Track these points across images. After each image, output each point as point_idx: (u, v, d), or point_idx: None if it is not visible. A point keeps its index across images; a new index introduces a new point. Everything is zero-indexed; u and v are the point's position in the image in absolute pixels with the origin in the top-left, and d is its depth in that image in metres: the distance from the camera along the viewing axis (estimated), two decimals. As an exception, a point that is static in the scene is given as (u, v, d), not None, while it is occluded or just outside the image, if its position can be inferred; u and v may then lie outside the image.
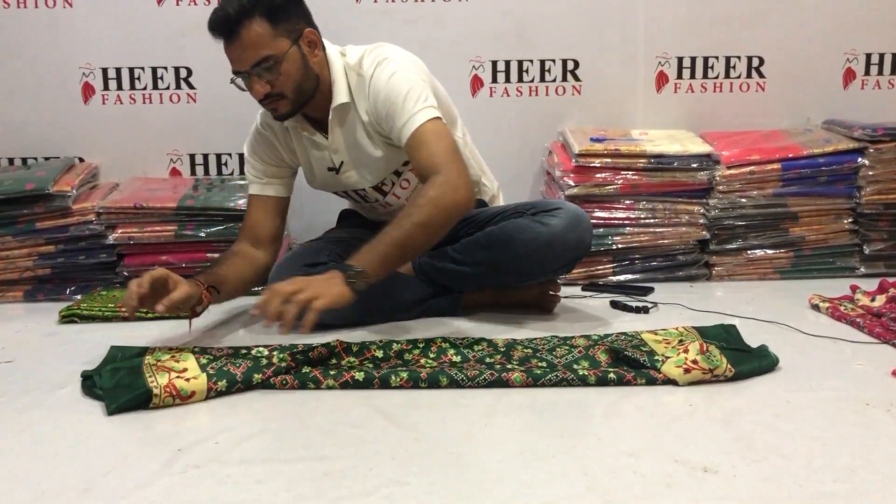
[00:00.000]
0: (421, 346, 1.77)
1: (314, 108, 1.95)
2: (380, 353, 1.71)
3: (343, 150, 2.00)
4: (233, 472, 1.27)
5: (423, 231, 1.77)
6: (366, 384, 1.56)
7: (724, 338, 1.76)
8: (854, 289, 2.13)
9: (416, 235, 1.76)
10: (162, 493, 1.22)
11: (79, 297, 2.28)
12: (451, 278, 2.06)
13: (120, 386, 1.53)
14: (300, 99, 1.89)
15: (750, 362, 1.62)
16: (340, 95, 1.92)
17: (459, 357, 1.69)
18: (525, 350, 1.73)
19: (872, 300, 2.02)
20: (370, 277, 1.73)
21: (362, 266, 1.72)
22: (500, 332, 1.88)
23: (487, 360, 1.67)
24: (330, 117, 1.95)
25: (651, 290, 2.25)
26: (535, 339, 1.81)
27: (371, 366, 1.65)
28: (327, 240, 2.14)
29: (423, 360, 1.68)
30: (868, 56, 2.68)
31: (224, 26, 1.79)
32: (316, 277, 1.72)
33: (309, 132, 1.99)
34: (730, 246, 2.44)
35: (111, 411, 1.47)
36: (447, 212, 1.78)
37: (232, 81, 1.89)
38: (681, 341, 1.70)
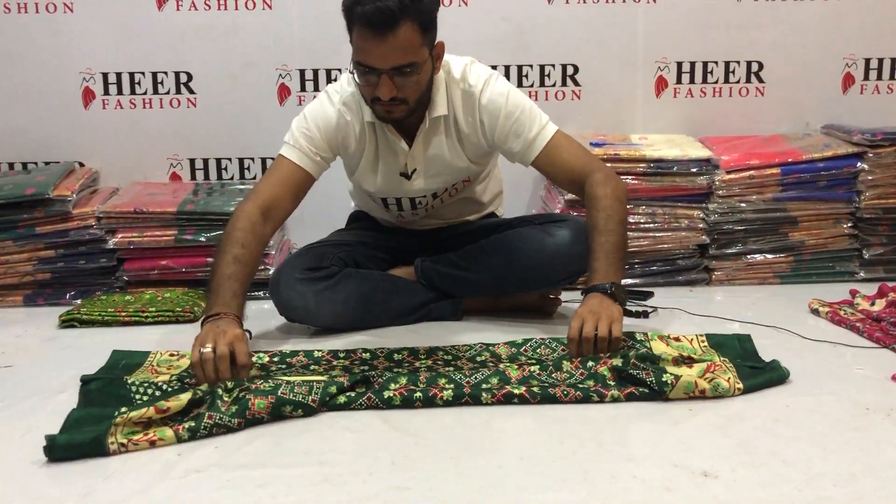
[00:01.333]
0: (423, 357, 1.76)
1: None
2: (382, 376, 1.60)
3: (421, 158, 1.96)
4: (233, 476, 1.27)
5: (624, 226, 1.85)
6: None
7: (738, 353, 1.73)
8: (854, 293, 2.13)
9: (622, 232, 1.83)
10: (162, 498, 1.22)
11: (79, 301, 2.28)
12: (454, 284, 2.06)
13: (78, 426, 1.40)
14: (416, 108, 1.84)
15: (760, 376, 1.59)
16: (440, 108, 1.89)
17: (458, 378, 1.60)
18: (529, 365, 1.66)
19: (872, 304, 2.02)
20: (620, 285, 1.77)
21: (610, 281, 1.75)
22: (501, 337, 1.88)
23: (488, 381, 1.59)
24: (425, 126, 1.90)
25: (651, 294, 2.25)
26: (539, 349, 1.79)
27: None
28: (331, 243, 2.12)
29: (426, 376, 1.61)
30: (867, 61, 2.69)
31: (382, 20, 1.68)
32: (588, 308, 1.70)
33: (395, 136, 1.93)
34: (729, 250, 2.44)
35: (53, 449, 1.33)
36: (625, 203, 1.88)
37: (351, 70, 1.80)
38: (690, 359, 1.66)
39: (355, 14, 1.72)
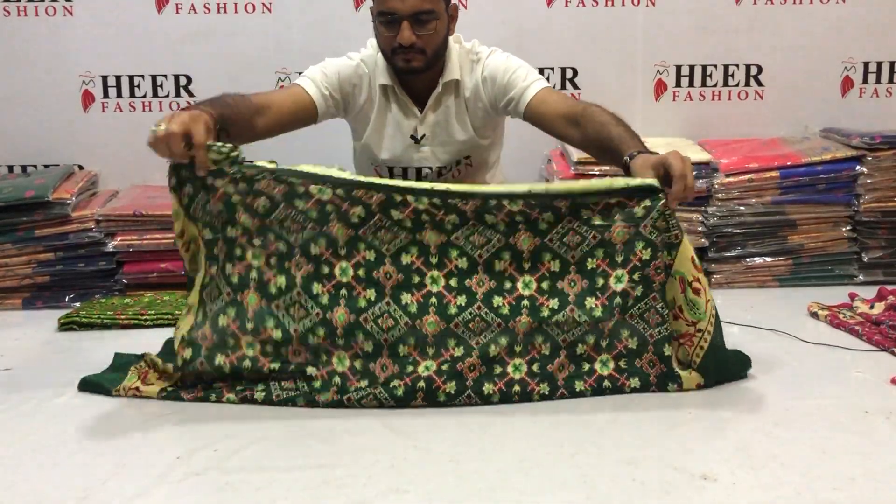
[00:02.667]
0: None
1: (421, 78, 1.99)
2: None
3: (430, 124, 2.05)
4: (232, 479, 1.27)
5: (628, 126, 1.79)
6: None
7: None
8: (853, 296, 2.13)
9: (628, 127, 1.78)
10: (161, 501, 1.22)
11: (78, 304, 2.28)
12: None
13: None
14: (433, 61, 1.94)
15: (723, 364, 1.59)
16: (453, 72, 2.01)
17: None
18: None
19: (871, 308, 2.02)
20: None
21: (641, 148, 1.68)
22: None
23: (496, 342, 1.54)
24: (438, 89, 2.01)
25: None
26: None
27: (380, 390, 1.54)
28: None
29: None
30: (866, 64, 2.69)
31: None
32: (665, 154, 1.60)
33: (406, 99, 2.02)
34: (728, 254, 2.44)
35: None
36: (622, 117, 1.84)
37: (375, 28, 1.93)
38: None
39: None
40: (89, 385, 1.63)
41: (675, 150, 1.61)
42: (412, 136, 2.05)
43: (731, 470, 1.27)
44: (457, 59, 2.02)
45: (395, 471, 1.30)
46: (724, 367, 1.61)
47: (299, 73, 2.58)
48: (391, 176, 2.12)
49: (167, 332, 2.04)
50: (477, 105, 2.03)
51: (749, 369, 1.63)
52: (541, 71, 2.64)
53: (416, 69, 1.93)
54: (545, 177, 2.65)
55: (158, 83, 2.64)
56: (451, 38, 2.01)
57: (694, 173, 1.58)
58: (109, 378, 1.65)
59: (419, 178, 2.11)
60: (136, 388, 1.60)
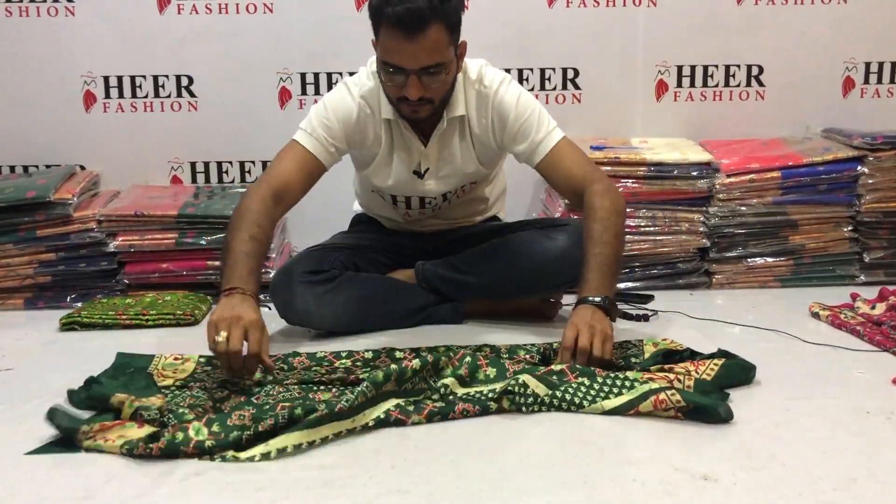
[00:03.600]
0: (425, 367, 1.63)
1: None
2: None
3: (434, 158, 1.98)
4: (233, 480, 1.27)
5: (621, 240, 1.83)
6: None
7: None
8: (854, 297, 2.13)
9: (618, 246, 1.81)
10: (161, 501, 1.22)
11: (79, 304, 2.28)
12: (454, 288, 2.06)
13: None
14: (440, 108, 1.88)
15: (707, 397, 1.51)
16: (458, 108, 1.92)
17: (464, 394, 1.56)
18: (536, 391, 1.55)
19: (872, 308, 2.02)
20: (612, 300, 1.74)
21: (601, 294, 1.72)
22: (501, 340, 1.88)
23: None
24: (443, 126, 1.92)
25: (651, 297, 2.25)
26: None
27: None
28: (332, 247, 2.12)
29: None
30: (867, 65, 2.69)
31: (412, 21, 1.69)
32: (583, 320, 1.66)
33: (411, 134, 1.95)
34: (730, 254, 2.44)
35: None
36: (624, 216, 1.86)
37: (378, 71, 1.83)
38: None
39: (385, 14, 1.71)
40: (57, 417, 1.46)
41: (590, 323, 1.64)
42: (415, 171, 1.99)
43: (732, 470, 1.27)
44: (462, 92, 1.92)
45: (396, 471, 1.30)
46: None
47: (300, 75, 2.64)
48: (394, 202, 2.09)
49: (169, 332, 2.05)
50: (483, 142, 1.97)
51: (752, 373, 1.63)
52: (542, 72, 2.66)
53: (422, 118, 1.87)
54: (546, 188, 2.62)
55: (160, 83, 2.64)
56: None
57: (602, 334, 1.63)
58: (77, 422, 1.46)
59: (423, 205, 2.08)
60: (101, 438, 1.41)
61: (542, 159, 1.92)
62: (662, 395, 1.45)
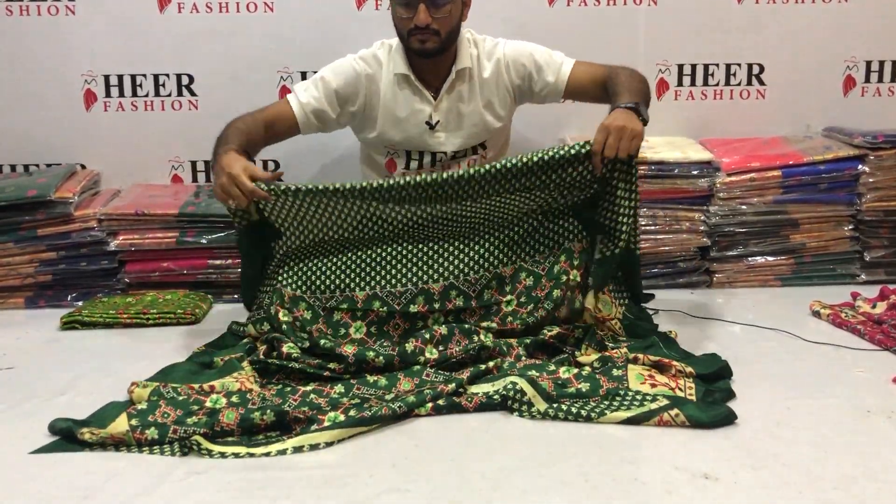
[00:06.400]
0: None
1: (434, 67, 2.10)
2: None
3: (444, 111, 2.13)
4: (234, 478, 1.27)
5: (644, 84, 2.03)
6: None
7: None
8: (855, 296, 2.13)
9: (646, 91, 2.01)
10: (163, 500, 1.22)
11: (80, 303, 2.28)
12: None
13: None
14: (446, 44, 2.04)
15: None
16: (465, 60, 2.12)
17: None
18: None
19: (873, 307, 2.02)
20: (643, 106, 1.90)
21: (634, 101, 1.88)
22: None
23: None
24: (452, 77, 2.11)
25: (651, 296, 2.25)
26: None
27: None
28: None
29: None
30: (868, 63, 2.69)
31: None
32: (614, 121, 1.81)
33: (421, 87, 2.12)
34: (730, 253, 2.44)
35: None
36: (644, 77, 2.06)
37: (392, 7, 2.05)
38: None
39: None
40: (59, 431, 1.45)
41: (619, 124, 1.79)
42: (427, 123, 2.13)
43: (733, 469, 1.27)
44: (467, 48, 2.12)
45: (397, 470, 1.30)
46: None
47: (301, 73, 2.63)
48: (407, 160, 2.19)
49: (169, 331, 2.05)
50: (496, 89, 2.14)
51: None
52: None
53: (429, 50, 2.02)
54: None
55: (160, 82, 2.64)
56: (463, 29, 2.10)
57: (631, 132, 1.79)
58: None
59: (434, 162, 2.19)
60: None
61: (568, 82, 2.12)
62: (666, 416, 1.45)
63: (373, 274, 1.88)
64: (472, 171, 1.79)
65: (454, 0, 2.01)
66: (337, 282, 1.87)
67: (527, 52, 2.13)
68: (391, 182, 1.80)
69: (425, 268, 1.88)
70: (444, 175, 1.79)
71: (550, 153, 1.79)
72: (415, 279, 1.86)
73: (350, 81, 2.11)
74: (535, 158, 1.78)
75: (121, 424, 1.42)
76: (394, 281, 1.87)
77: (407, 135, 2.15)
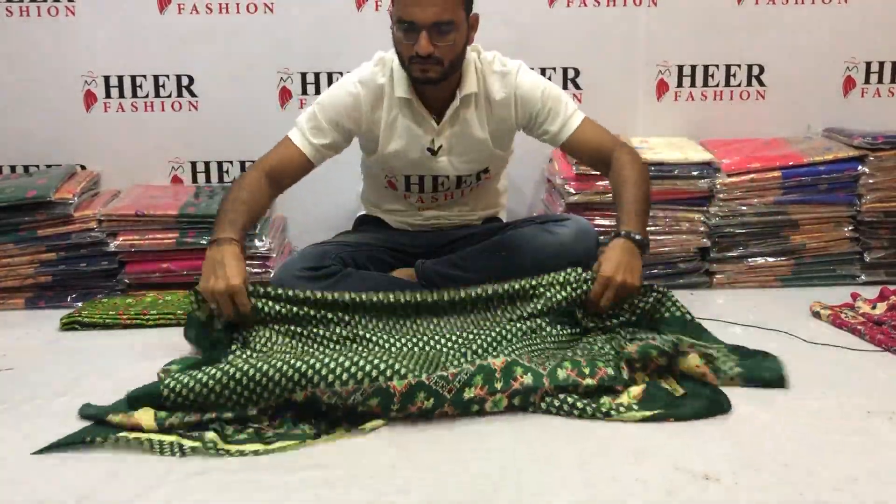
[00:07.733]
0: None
1: (438, 90, 1.98)
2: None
3: (447, 136, 2.04)
4: (233, 479, 1.27)
5: (647, 183, 1.99)
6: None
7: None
8: (855, 296, 2.13)
9: (648, 192, 1.98)
10: (161, 501, 1.22)
11: (80, 304, 2.28)
12: (454, 285, 2.06)
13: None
14: (450, 72, 1.93)
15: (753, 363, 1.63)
16: (471, 85, 2.00)
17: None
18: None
19: (873, 308, 2.02)
20: (646, 235, 1.90)
21: (637, 231, 1.87)
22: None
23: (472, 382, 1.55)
24: (456, 103, 2.00)
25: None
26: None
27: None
28: (336, 243, 2.13)
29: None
30: (868, 64, 2.69)
31: None
32: (615, 254, 1.82)
33: (424, 112, 2.02)
34: (730, 254, 2.44)
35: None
36: (647, 170, 2.03)
37: (394, 32, 1.92)
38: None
39: None
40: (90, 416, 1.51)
41: (620, 267, 1.80)
42: (429, 149, 2.05)
43: (734, 470, 1.27)
44: (474, 71, 2.00)
45: (396, 471, 1.30)
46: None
47: (301, 74, 2.64)
48: (408, 185, 2.12)
49: (169, 332, 2.04)
50: (504, 118, 2.04)
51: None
52: (542, 71, 2.66)
53: (431, 80, 1.92)
54: (547, 177, 2.65)
55: (160, 83, 2.64)
56: (469, 49, 1.98)
57: (630, 288, 1.81)
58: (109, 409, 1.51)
59: (435, 187, 2.12)
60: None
61: (572, 134, 2.03)
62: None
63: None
64: (463, 293, 1.84)
65: (459, 27, 1.87)
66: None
67: (538, 93, 2.01)
68: (381, 298, 1.81)
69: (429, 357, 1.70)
70: (436, 296, 1.82)
71: (546, 281, 1.85)
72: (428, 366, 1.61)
73: (349, 112, 2.01)
74: (528, 286, 1.84)
75: (148, 414, 1.45)
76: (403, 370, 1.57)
77: (408, 160, 2.06)
